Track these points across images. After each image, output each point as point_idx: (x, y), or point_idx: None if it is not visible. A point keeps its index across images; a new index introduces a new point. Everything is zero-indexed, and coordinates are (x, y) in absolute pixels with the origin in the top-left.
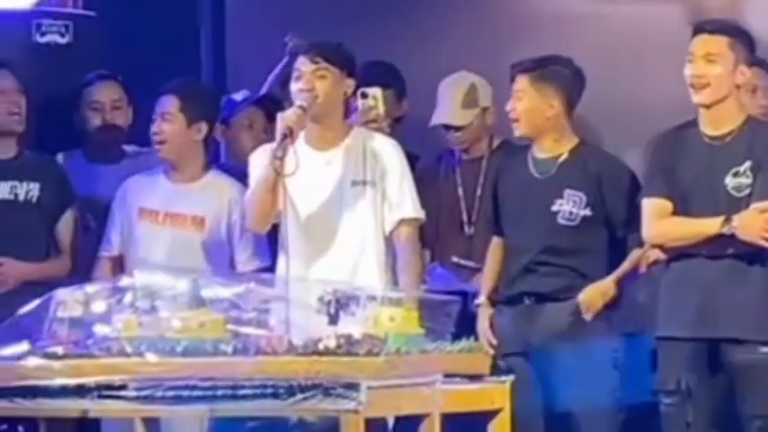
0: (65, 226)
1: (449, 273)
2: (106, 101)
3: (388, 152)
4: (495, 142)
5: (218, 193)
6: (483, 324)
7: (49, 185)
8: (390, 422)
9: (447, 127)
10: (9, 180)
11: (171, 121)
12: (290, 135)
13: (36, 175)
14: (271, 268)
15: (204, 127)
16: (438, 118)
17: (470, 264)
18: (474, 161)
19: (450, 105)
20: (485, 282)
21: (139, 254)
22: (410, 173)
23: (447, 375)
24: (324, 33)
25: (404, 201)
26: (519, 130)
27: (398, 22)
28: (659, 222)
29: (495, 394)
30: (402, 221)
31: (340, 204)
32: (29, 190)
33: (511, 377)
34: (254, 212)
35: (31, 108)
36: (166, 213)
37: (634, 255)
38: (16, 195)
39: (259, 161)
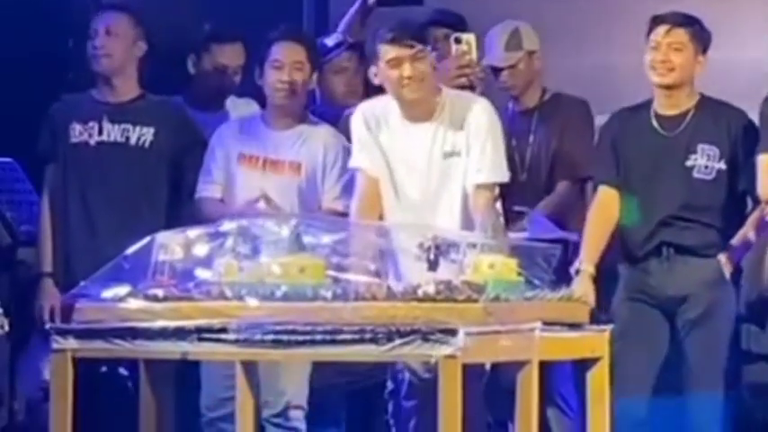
0: (188, 170)
1: (548, 220)
2: (231, 64)
3: (476, 117)
4: (547, 95)
5: (314, 139)
6: (587, 289)
7: (165, 131)
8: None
9: (495, 72)
10: (122, 123)
11: (303, 71)
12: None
13: (151, 120)
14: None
15: (315, 76)
16: (485, 61)
17: (525, 209)
18: (525, 113)
19: (495, 48)
20: (593, 244)
21: (237, 199)
22: (499, 134)
23: (546, 323)
24: None
25: (483, 166)
26: (666, 79)
27: None
28: None
29: (595, 342)
30: (479, 186)
31: (431, 176)
32: (141, 134)
33: (610, 326)
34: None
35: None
36: (266, 159)
37: (756, 214)
38: (128, 139)
39: (358, 124)
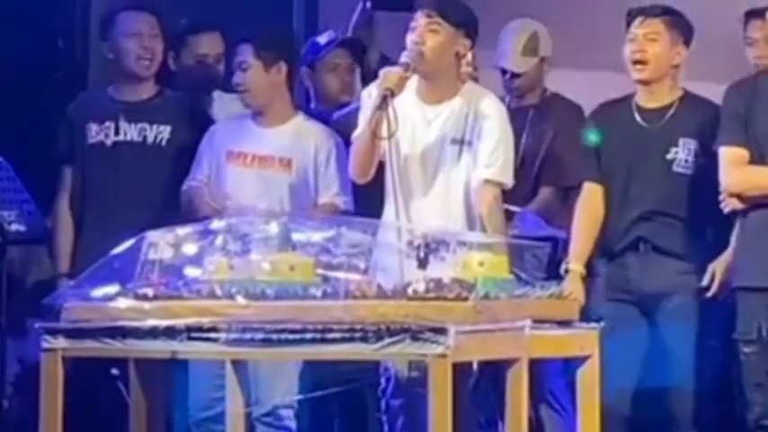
0: None
1: (539, 218)
2: (210, 53)
3: (491, 114)
4: (546, 94)
5: (304, 135)
6: (577, 289)
7: (182, 128)
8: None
9: (504, 71)
10: (139, 122)
11: (248, 70)
12: (390, 96)
13: (168, 118)
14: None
15: (283, 66)
16: (498, 61)
17: (516, 209)
18: (522, 109)
19: (511, 51)
20: (581, 243)
21: (227, 197)
22: (511, 139)
23: (536, 321)
24: None
25: (493, 163)
26: (642, 74)
27: None
28: (738, 170)
29: (585, 340)
30: (486, 182)
31: (438, 160)
32: (158, 133)
33: (601, 324)
34: (353, 163)
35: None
36: (254, 156)
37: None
38: (145, 138)
39: (369, 100)
